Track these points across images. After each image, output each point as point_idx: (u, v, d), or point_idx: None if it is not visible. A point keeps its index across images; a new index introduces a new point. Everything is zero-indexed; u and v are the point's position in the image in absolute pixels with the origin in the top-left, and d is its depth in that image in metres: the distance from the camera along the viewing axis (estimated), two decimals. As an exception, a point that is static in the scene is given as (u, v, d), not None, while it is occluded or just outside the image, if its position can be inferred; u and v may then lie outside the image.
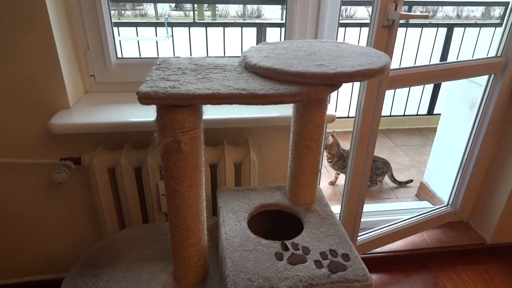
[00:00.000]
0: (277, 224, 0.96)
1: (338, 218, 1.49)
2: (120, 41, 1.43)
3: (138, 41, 2.16)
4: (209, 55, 0.84)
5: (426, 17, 1.02)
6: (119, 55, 1.19)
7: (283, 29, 2.57)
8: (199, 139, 0.71)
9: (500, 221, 1.55)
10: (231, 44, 2.44)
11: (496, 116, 1.43)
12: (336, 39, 1.18)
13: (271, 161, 1.26)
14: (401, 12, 0.97)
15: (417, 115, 2.97)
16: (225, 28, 2.36)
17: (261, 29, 2.47)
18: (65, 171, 1.06)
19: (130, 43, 2.12)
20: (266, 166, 1.26)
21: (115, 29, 1.17)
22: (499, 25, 2.94)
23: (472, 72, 1.31)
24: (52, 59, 1.00)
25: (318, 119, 0.83)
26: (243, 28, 2.41)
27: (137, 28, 2.20)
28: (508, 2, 1.29)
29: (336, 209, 1.38)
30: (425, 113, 2.96)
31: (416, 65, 1.18)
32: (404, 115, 2.94)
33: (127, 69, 1.18)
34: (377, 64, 0.72)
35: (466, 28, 2.70)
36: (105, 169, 1.07)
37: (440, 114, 1.88)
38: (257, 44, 0.90)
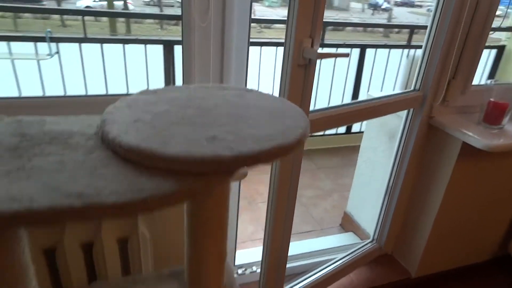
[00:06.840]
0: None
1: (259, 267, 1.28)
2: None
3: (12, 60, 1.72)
4: (50, 118, 0.56)
5: (346, 55, 0.87)
6: None
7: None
8: (19, 275, 0.43)
9: (424, 252, 1.49)
10: (133, 63, 2.12)
11: (417, 148, 1.36)
12: (247, 61, 0.95)
13: (169, 233, 0.98)
14: (319, 51, 0.79)
15: (336, 134, 2.95)
16: (125, 45, 2.04)
17: (169, 45, 2.19)
18: None
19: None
20: (164, 240, 0.98)
21: None
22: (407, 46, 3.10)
23: (393, 108, 1.22)
24: None
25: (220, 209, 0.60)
26: (147, 46, 2.11)
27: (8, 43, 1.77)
28: (420, 46, 1.23)
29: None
30: (344, 132, 2.95)
31: (333, 105, 1.03)
32: (323, 135, 2.89)
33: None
34: (293, 134, 0.52)
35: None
36: None
37: (358, 132, 1.81)
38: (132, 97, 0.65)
